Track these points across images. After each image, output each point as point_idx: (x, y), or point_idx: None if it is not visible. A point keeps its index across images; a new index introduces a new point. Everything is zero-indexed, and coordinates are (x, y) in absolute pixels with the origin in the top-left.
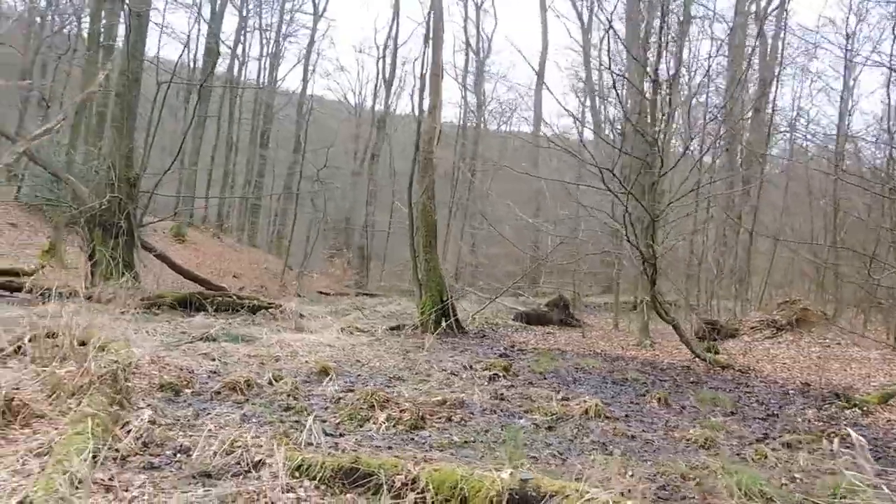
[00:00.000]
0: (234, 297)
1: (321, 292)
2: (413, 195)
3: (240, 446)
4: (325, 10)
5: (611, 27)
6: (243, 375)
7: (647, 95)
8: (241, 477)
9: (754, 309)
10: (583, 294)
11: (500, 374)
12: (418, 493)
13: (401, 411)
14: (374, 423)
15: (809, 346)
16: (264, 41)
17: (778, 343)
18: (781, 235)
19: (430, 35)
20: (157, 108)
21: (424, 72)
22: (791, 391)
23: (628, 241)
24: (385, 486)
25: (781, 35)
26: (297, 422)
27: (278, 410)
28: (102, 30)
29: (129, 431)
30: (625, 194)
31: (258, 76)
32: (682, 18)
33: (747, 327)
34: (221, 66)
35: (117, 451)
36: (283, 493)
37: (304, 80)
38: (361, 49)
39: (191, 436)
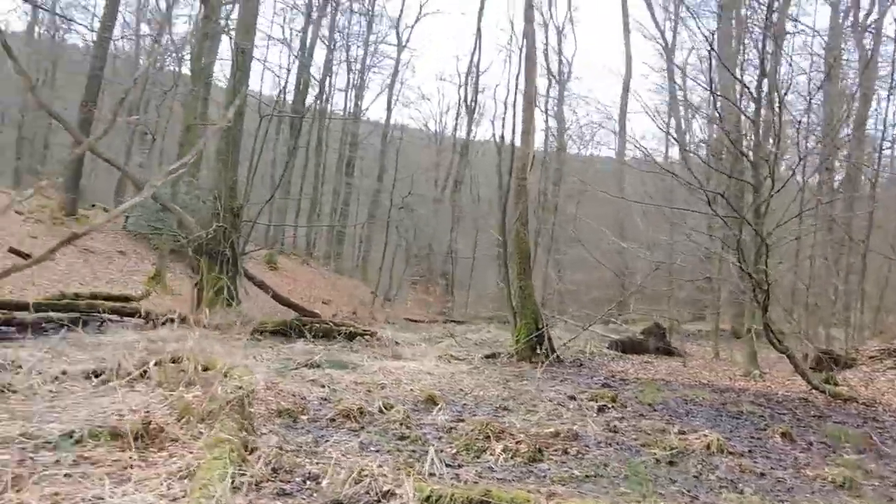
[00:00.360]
0: (331, 324)
1: (409, 319)
2: (507, 223)
3: (367, 475)
4: (408, 40)
5: (711, 48)
6: (355, 403)
7: (750, 115)
8: None
9: (869, 337)
10: (677, 322)
11: (609, 406)
12: None
13: (517, 443)
14: (490, 454)
15: None
16: (350, 73)
17: None
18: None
19: (522, 63)
20: (259, 140)
21: (511, 98)
22: None
23: (740, 267)
24: None
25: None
26: (413, 451)
27: (393, 439)
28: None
29: (258, 457)
30: (737, 220)
31: (344, 107)
32: (777, 35)
33: (865, 357)
34: (309, 98)
35: (252, 476)
36: None
37: (388, 109)
38: (443, 77)
39: (317, 463)
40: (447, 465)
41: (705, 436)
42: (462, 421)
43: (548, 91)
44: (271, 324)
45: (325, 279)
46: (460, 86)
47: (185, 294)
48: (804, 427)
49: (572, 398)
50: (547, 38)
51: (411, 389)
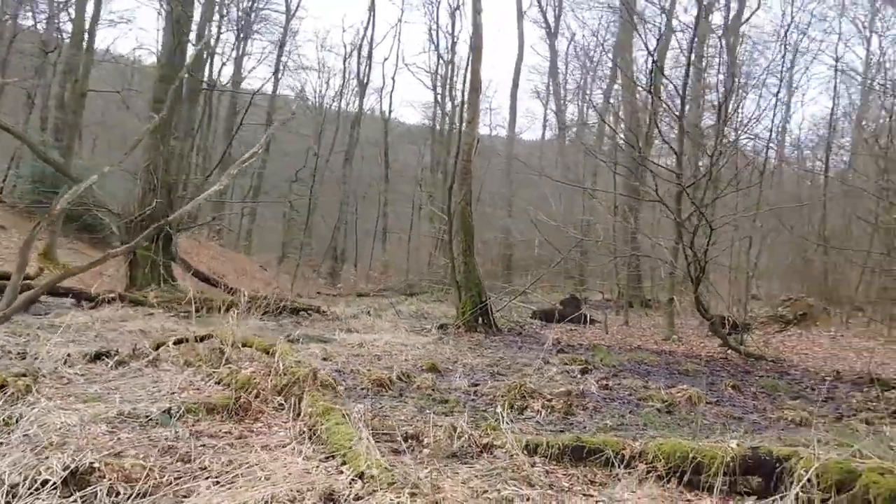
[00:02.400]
0: (276, 301)
1: (320, 293)
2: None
3: (460, 433)
4: (297, 7)
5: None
6: (382, 373)
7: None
8: (481, 457)
9: (759, 306)
10: (582, 294)
11: (589, 368)
12: (648, 464)
13: (548, 400)
14: (531, 410)
15: (818, 337)
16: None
17: (789, 336)
18: (772, 235)
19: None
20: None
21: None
22: (826, 377)
23: (684, 246)
24: (615, 460)
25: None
26: (473, 411)
27: (436, 403)
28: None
29: (357, 422)
30: (687, 207)
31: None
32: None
33: (757, 322)
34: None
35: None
36: (531, 467)
37: (276, 80)
38: (329, 48)
39: (406, 425)
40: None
41: (685, 390)
42: (477, 385)
43: (437, 69)
44: (218, 301)
45: (225, 256)
46: (346, 58)
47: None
48: (740, 381)
49: (546, 362)
50: (438, 18)
51: (405, 359)
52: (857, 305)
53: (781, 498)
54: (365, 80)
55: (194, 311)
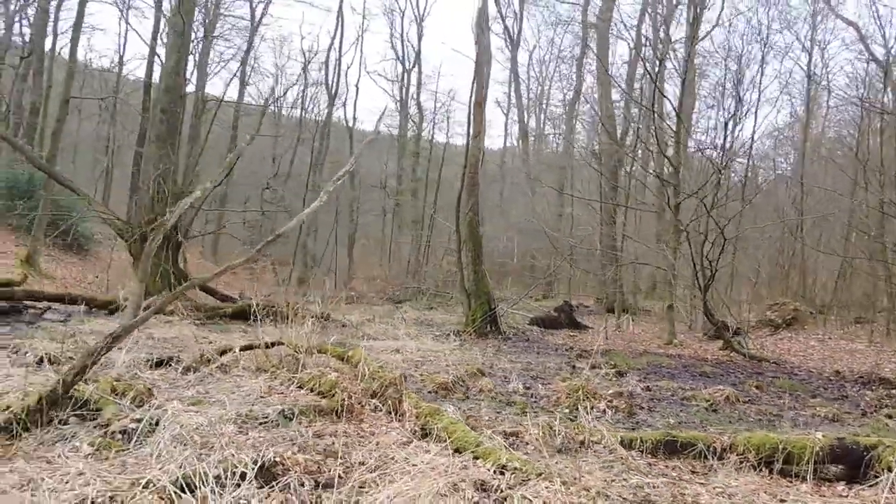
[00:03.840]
0: (290, 308)
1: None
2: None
3: (556, 430)
4: (262, 15)
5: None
6: (444, 378)
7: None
8: (583, 452)
9: (746, 311)
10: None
11: (623, 371)
12: (739, 455)
13: (609, 401)
14: (597, 410)
15: (808, 340)
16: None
17: (780, 339)
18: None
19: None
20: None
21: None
22: (831, 378)
23: (693, 254)
24: (708, 452)
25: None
26: (534, 412)
27: (505, 405)
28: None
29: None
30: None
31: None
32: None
33: (748, 326)
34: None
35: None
36: (636, 460)
37: (242, 86)
38: (288, 55)
39: (501, 423)
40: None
41: (721, 390)
42: (529, 388)
43: (403, 77)
44: (230, 308)
45: (200, 263)
46: (305, 65)
47: (62, 277)
48: (758, 381)
49: (574, 367)
50: (403, 26)
51: (446, 364)
52: (841, 308)
53: (874, 484)
54: (334, 89)
55: (209, 320)
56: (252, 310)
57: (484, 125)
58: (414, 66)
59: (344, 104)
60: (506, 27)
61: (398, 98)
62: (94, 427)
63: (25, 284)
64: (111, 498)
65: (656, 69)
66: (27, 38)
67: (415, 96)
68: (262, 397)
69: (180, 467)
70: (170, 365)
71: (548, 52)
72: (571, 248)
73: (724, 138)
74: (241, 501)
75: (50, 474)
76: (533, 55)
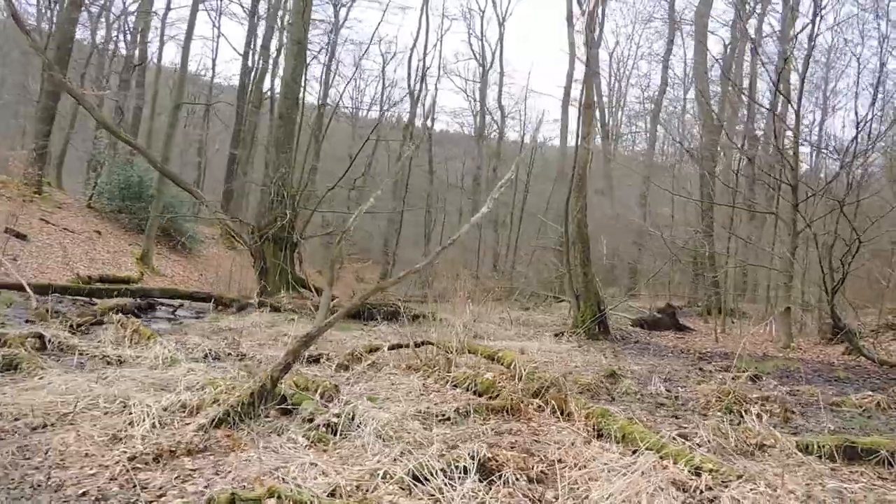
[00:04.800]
0: (396, 307)
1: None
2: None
3: (724, 432)
4: (346, 18)
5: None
6: (588, 380)
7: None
8: (760, 455)
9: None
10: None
11: (759, 375)
12: None
13: (761, 404)
14: (749, 415)
15: None
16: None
17: None
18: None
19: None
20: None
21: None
22: None
23: (820, 257)
24: (893, 459)
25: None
26: (688, 415)
27: (655, 406)
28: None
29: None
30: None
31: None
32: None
33: (868, 330)
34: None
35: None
36: (818, 465)
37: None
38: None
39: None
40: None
41: (871, 396)
42: (670, 391)
43: (483, 79)
44: (347, 306)
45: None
46: (383, 67)
47: (172, 275)
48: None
49: (701, 370)
50: (483, 29)
51: (575, 366)
52: None
53: None
54: (417, 93)
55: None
56: (365, 310)
57: (593, 127)
58: (492, 66)
59: (423, 105)
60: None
61: (475, 98)
62: (301, 421)
63: (142, 282)
64: (357, 487)
65: (780, 68)
66: (128, 47)
67: (496, 97)
68: (421, 395)
69: (394, 461)
70: (320, 362)
71: (626, 48)
72: (675, 250)
73: (856, 138)
74: (470, 494)
75: (283, 464)
76: (613, 54)
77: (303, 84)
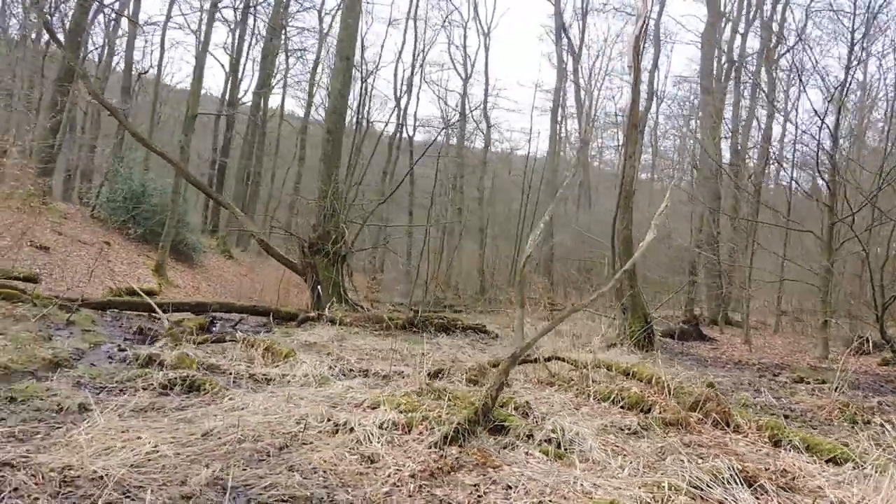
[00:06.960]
0: (446, 319)
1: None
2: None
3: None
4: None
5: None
6: (701, 390)
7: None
8: None
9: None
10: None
11: (819, 385)
12: None
13: (883, 414)
14: (874, 424)
15: None
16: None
17: None
18: None
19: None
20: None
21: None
22: None
23: (871, 273)
24: None
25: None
26: (815, 425)
27: (783, 418)
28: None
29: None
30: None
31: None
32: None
33: None
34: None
35: None
36: None
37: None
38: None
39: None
40: None
41: None
42: (779, 398)
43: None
44: (399, 319)
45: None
46: (364, 77)
47: (184, 286)
48: None
49: (762, 377)
50: (465, 39)
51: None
52: None
53: None
54: (404, 103)
55: (385, 331)
56: (417, 320)
57: (639, 146)
58: (470, 78)
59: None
60: (569, 38)
61: (462, 109)
62: (517, 437)
63: (161, 294)
64: (653, 498)
65: (833, 93)
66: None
67: (481, 107)
68: (575, 409)
69: (642, 473)
70: (441, 377)
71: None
72: (710, 265)
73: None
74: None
75: (554, 479)
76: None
77: (347, 99)
